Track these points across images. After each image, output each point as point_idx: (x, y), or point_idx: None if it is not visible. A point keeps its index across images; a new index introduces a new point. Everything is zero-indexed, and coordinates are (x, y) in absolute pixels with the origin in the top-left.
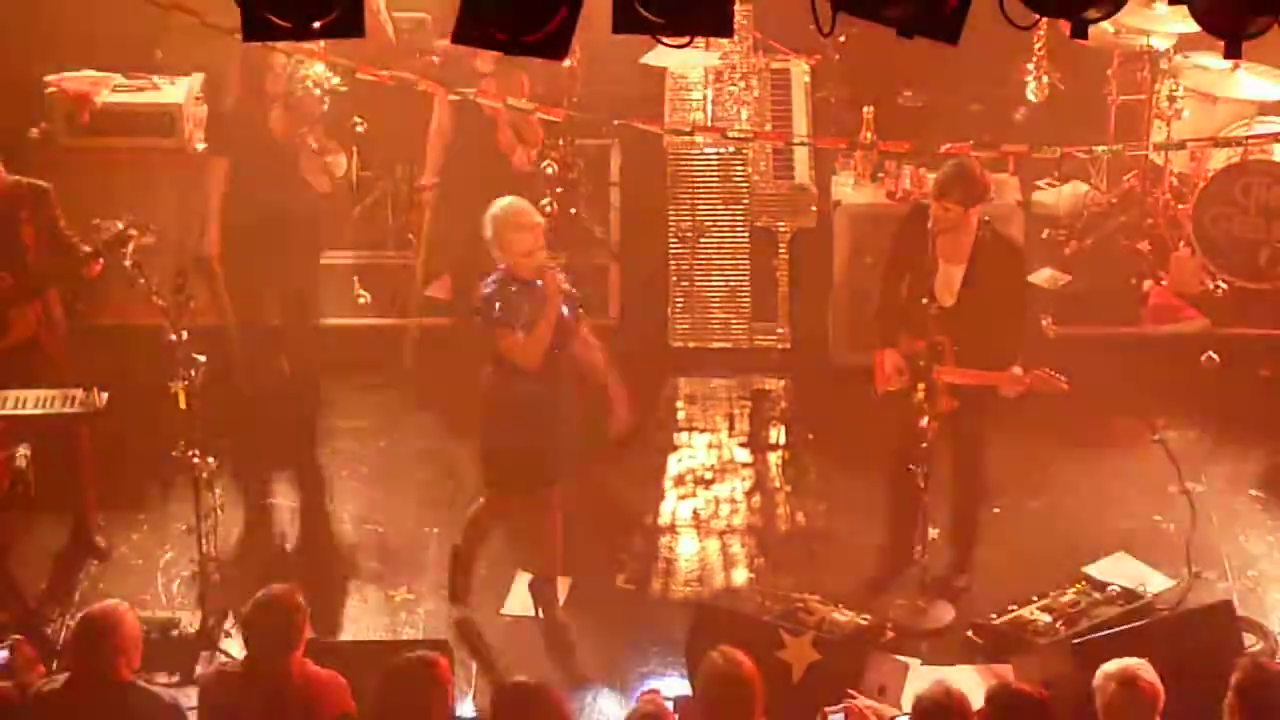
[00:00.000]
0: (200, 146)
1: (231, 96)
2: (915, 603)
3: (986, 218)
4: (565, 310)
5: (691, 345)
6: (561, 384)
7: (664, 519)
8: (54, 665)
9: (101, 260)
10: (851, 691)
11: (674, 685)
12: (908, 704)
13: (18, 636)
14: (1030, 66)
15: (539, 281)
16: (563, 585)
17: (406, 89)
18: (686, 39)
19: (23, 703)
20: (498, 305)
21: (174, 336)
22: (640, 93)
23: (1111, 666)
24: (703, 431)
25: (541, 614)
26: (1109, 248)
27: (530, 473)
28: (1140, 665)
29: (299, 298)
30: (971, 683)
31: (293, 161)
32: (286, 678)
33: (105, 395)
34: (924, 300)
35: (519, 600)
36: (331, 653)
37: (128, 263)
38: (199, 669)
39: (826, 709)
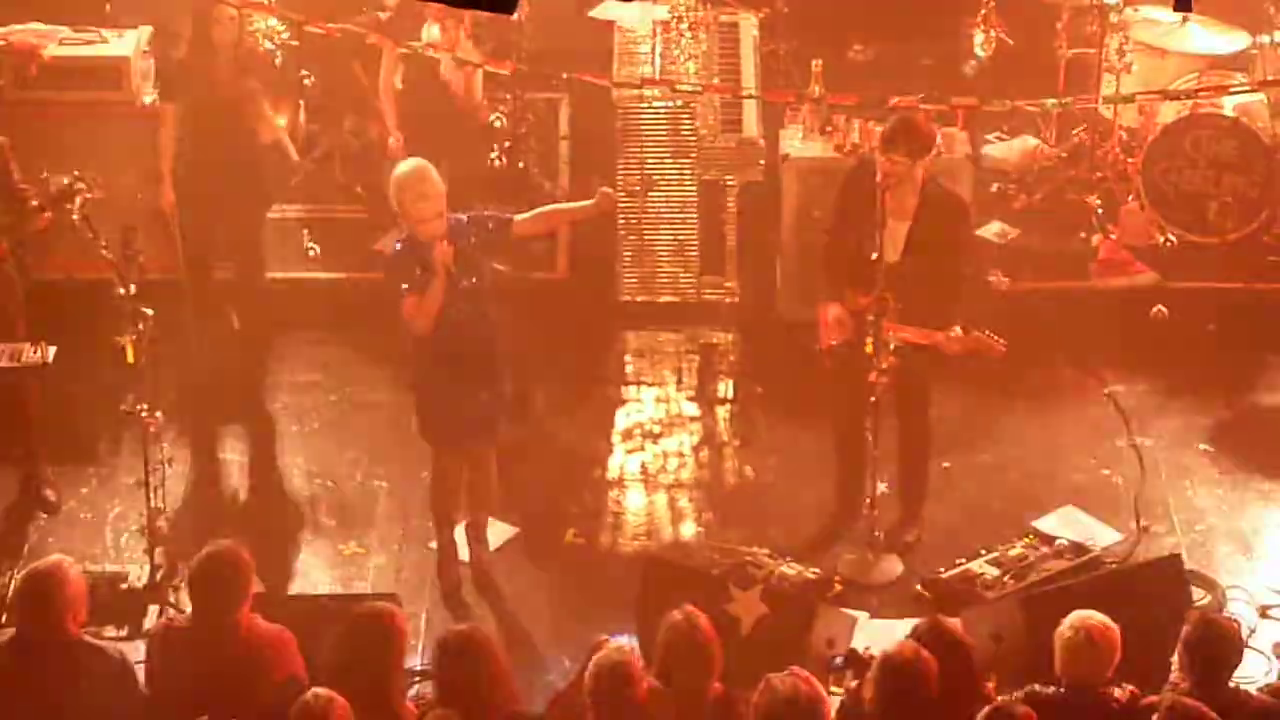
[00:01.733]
0: (149, 99)
1: (180, 49)
2: (864, 556)
3: (934, 174)
4: (468, 278)
5: (640, 299)
6: (475, 344)
7: (612, 473)
8: (0, 620)
9: (49, 214)
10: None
11: (622, 639)
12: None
13: None
14: (979, 19)
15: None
16: (506, 533)
17: (355, 42)
18: None
19: None
20: (394, 267)
21: (122, 290)
22: (589, 46)
23: (1073, 619)
24: (651, 385)
25: (469, 556)
26: (1058, 202)
27: (460, 429)
28: (1098, 618)
29: (247, 250)
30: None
31: (240, 114)
32: (234, 633)
33: (53, 350)
34: (872, 256)
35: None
36: (281, 606)
37: (76, 217)
38: (147, 623)
39: (769, 675)
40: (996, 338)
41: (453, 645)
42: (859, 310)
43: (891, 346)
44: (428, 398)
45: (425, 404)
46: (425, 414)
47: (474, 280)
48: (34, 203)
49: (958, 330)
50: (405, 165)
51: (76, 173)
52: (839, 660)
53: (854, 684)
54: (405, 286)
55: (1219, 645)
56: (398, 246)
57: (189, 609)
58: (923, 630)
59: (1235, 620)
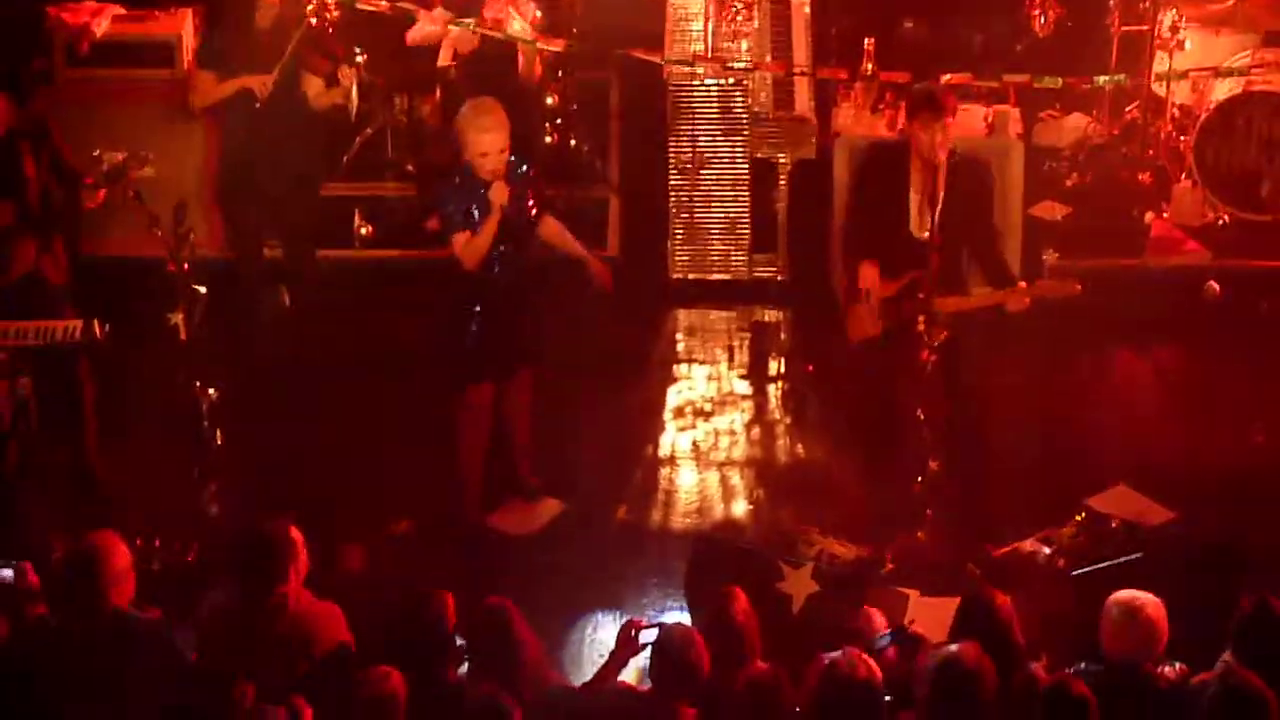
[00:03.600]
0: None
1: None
2: (915, 534)
3: (954, 147)
4: (520, 213)
5: (691, 277)
6: (519, 277)
7: (664, 451)
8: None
9: (104, 191)
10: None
11: (674, 618)
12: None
13: (23, 564)
14: (1036, 0)
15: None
16: (555, 509)
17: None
18: None
19: (14, 634)
20: (449, 203)
21: (174, 268)
22: (640, 24)
23: (1119, 597)
24: (702, 364)
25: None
26: (1111, 180)
27: (497, 359)
28: (1145, 597)
29: (298, 228)
30: None
31: (289, 91)
32: (281, 610)
33: (106, 327)
34: (920, 232)
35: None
36: (331, 583)
37: (129, 194)
38: (197, 600)
39: (823, 654)
40: (1068, 278)
41: (482, 617)
42: (895, 292)
43: (942, 321)
44: (464, 335)
45: (460, 342)
46: (466, 350)
47: (525, 222)
48: (89, 180)
49: (1022, 284)
50: (474, 100)
51: (129, 150)
52: (885, 639)
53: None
54: (458, 223)
55: (1272, 625)
56: (455, 180)
57: (239, 585)
58: (968, 599)
59: None
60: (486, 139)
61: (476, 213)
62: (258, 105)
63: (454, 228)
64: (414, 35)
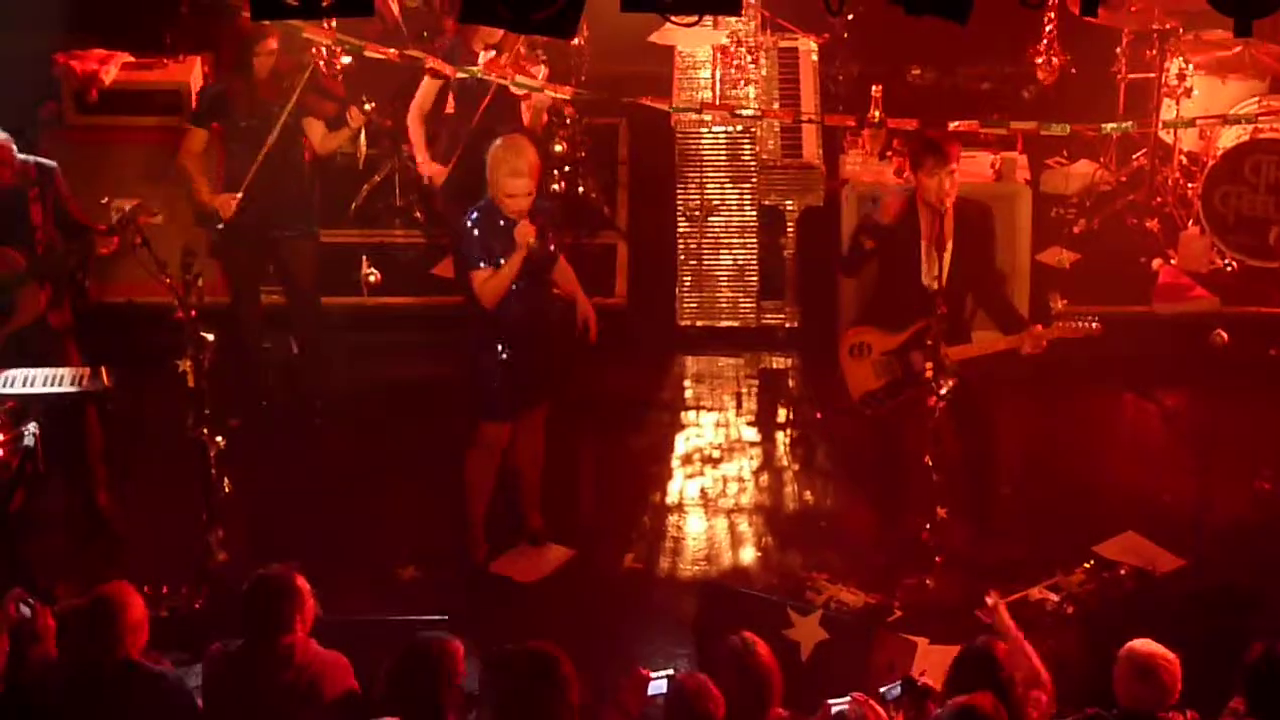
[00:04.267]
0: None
1: (223, 78)
2: (923, 581)
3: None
4: (543, 251)
5: (699, 324)
6: (536, 315)
7: (672, 498)
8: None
9: (117, 237)
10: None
11: (683, 666)
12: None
13: (37, 604)
14: (1042, 47)
15: (516, 226)
16: (563, 556)
17: (414, 69)
18: (695, 17)
19: (29, 681)
20: (476, 238)
21: (182, 315)
22: (648, 71)
23: (1134, 646)
24: (710, 410)
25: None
26: (1118, 226)
27: (515, 396)
28: (1158, 647)
29: (299, 275)
30: None
31: (288, 139)
32: (287, 657)
33: (113, 375)
34: (929, 282)
35: None
36: (337, 630)
37: (137, 241)
38: (205, 649)
39: (830, 701)
40: (1088, 318)
41: (499, 661)
42: (908, 340)
43: (950, 369)
44: (488, 372)
45: (484, 379)
46: (484, 388)
47: (546, 260)
48: (102, 227)
49: (1038, 327)
50: (508, 139)
51: (137, 197)
52: (895, 690)
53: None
54: (480, 259)
55: None
56: (475, 216)
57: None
58: (966, 649)
59: None
60: (519, 182)
61: (497, 250)
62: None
63: (472, 265)
64: (416, 101)
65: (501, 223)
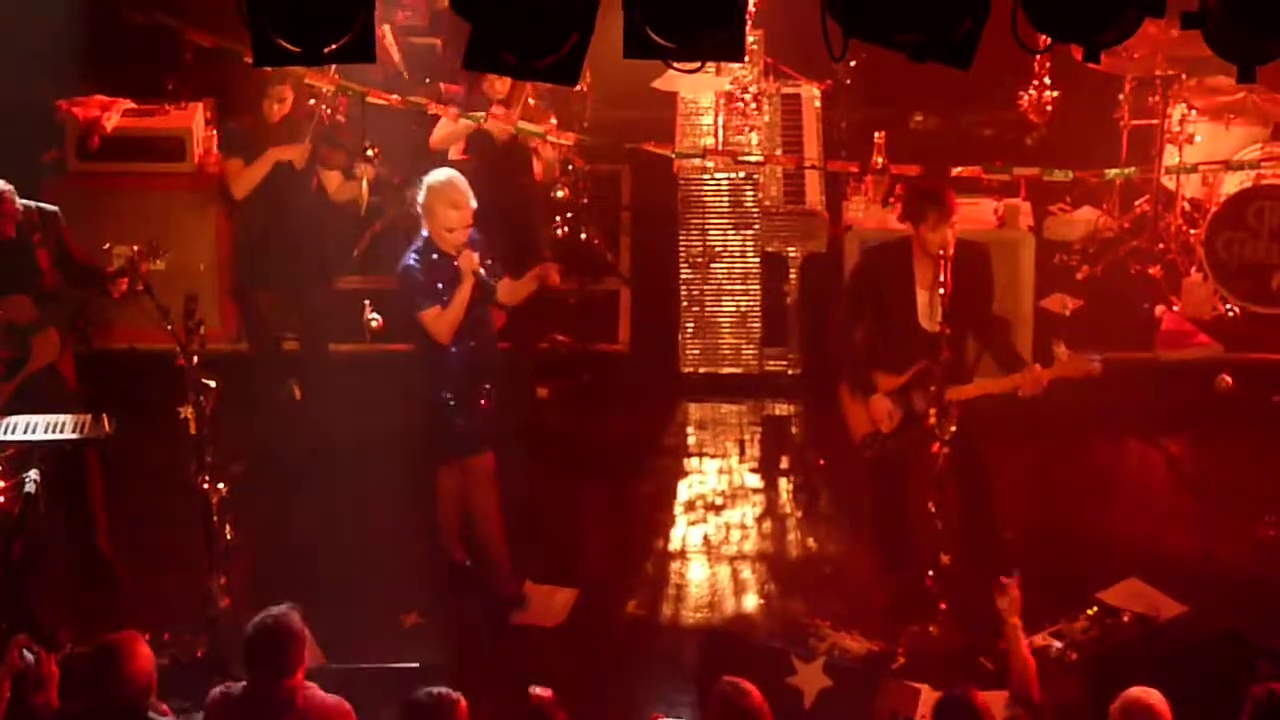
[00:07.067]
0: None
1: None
2: (927, 628)
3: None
4: (487, 276)
5: (702, 370)
6: (485, 348)
7: (674, 544)
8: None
9: (125, 279)
10: None
11: (686, 714)
12: None
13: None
14: (1031, 85)
15: (457, 259)
16: (567, 602)
17: (417, 115)
18: (698, 64)
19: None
20: (419, 279)
21: (184, 361)
22: (651, 117)
23: (1127, 695)
24: (713, 457)
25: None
26: (1121, 273)
27: (470, 435)
28: (1152, 694)
29: (310, 320)
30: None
31: (298, 183)
32: (289, 703)
33: (114, 421)
34: (929, 325)
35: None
36: (340, 677)
37: (139, 288)
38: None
39: None
40: (1090, 356)
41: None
42: (906, 388)
43: (952, 414)
44: (443, 408)
45: (441, 416)
46: (441, 426)
47: (490, 289)
48: (110, 271)
49: (1037, 367)
50: (439, 173)
51: (140, 243)
52: None
53: None
54: (428, 298)
55: None
56: (414, 257)
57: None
58: (945, 702)
59: None
60: (456, 215)
61: (444, 286)
62: (298, 169)
63: (419, 306)
64: (437, 137)
65: (437, 257)
